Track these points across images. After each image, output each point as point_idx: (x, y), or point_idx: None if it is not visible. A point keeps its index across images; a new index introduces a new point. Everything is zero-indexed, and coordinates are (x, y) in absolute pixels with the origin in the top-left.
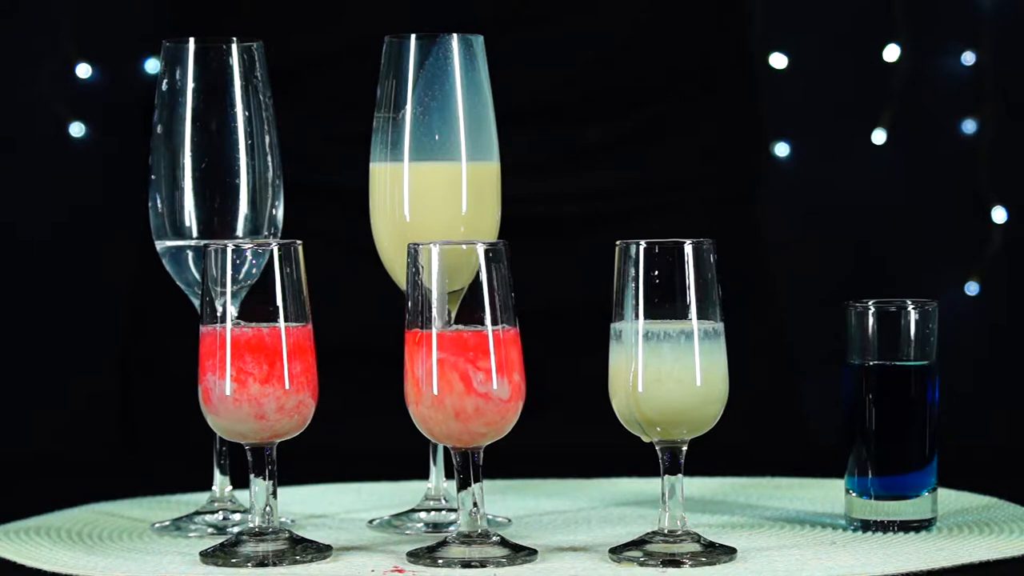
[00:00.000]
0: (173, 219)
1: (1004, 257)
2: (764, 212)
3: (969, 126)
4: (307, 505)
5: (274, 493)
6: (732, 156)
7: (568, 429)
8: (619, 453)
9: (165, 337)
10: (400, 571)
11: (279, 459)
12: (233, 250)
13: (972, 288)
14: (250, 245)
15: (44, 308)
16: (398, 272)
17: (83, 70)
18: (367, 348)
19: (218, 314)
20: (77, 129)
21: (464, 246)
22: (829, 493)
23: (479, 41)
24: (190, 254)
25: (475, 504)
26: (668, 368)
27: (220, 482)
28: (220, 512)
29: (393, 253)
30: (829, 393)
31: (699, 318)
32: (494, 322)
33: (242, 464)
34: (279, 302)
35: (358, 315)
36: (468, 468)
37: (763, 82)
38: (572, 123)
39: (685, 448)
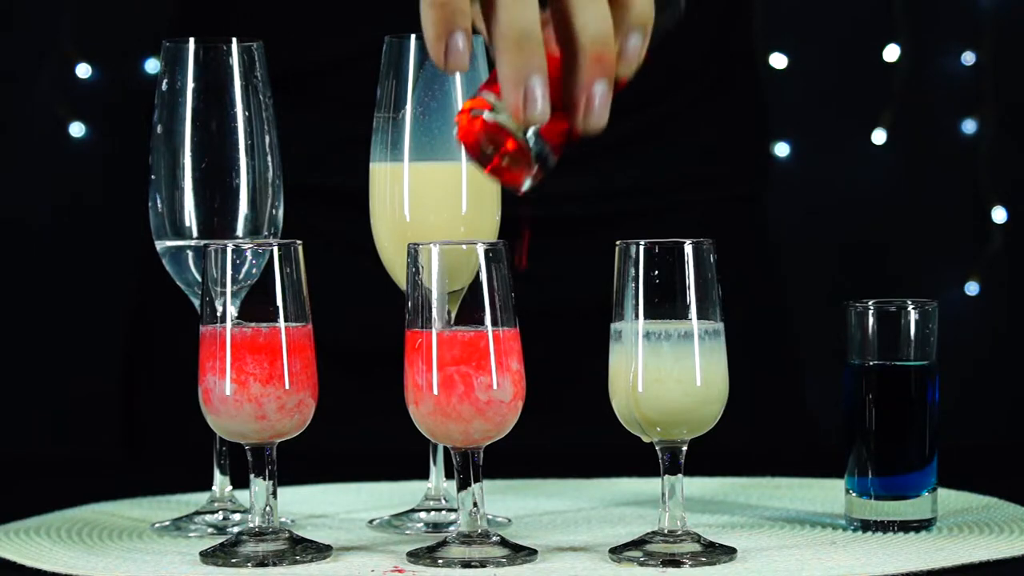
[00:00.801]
0: (173, 219)
1: (1004, 257)
2: (764, 212)
3: (969, 126)
4: (307, 505)
5: (274, 493)
6: (732, 156)
7: (568, 429)
8: (619, 453)
9: (165, 337)
10: (400, 571)
11: (279, 459)
12: (233, 250)
13: (972, 288)
14: (250, 245)
15: (44, 308)
16: (398, 272)
17: (83, 70)
18: (367, 348)
19: (218, 314)
20: (77, 129)
21: (464, 246)
22: (829, 493)
23: (479, 41)
24: (190, 254)
25: (475, 504)
26: (668, 368)
27: (220, 482)
28: (220, 512)
29: (393, 253)
30: (829, 393)
31: (699, 318)
32: (494, 322)
33: (242, 464)
34: (279, 302)
35: (358, 315)
36: (468, 468)
37: (763, 82)
38: None
39: (685, 448)
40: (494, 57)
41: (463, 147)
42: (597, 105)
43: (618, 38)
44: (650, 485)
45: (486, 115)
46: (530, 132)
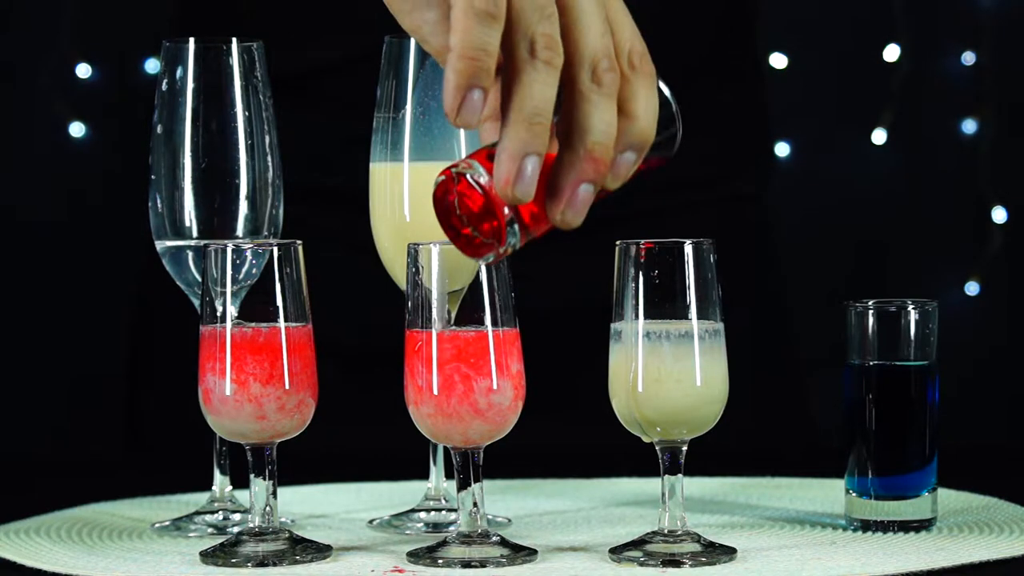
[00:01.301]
0: (173, 219)
1: (1004, 257)
2: (764, 212)
3: (969, 126)
4: (307, 505)
5: (274, 493)
6: (732, 156)
7: (568, 429)
8: (619, 453)
9: (165, 337)
10: (400, 571)
11: (279, 459)
12: (233, 250)
13: (972, 288)
14: (250, 245)
15: (45, 308)
16: (398, 272)
17: (83, 70)
18: (367, 348)
19: (218, 314)
20: (77, 129)
21: None
22: (829, 493)
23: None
24: (190, 254)
25: (475, 504)
26: (668, 368)
27: (220, 482)
28: (220, 512)
29: (393, 253)
30: (829, 393)
31: (699, 318)
32: (494, 323)
33: (242, 464)
34: (279, 302)
35: (358, 315)
36: (468, 468)
37: (763, 82)
38: None
39: (685, 448)
40: (499, 128)
41: (436, 202)
42: (579, 203)
43: (615, 149)
44: (650, 485)
45: (469, 176)
46: (507, 210)
